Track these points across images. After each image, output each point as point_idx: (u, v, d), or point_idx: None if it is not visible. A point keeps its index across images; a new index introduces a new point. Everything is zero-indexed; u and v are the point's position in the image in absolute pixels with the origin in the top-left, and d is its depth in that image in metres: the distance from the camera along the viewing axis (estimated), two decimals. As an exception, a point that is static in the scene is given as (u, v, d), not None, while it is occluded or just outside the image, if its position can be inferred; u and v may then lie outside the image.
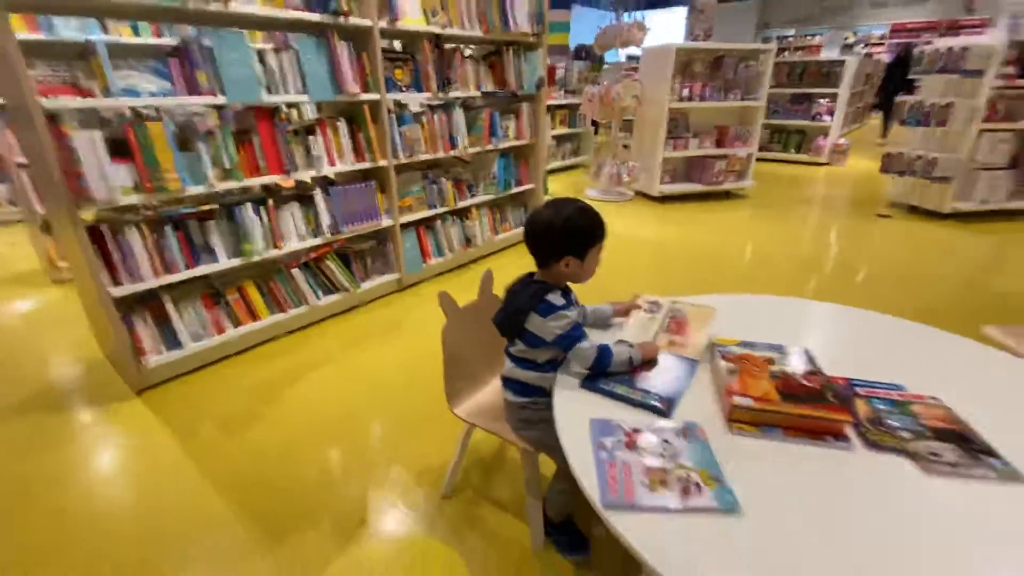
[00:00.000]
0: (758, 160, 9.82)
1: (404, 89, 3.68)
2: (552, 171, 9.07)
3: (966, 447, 1.27)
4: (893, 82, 11.29)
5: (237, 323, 3.11)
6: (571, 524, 1.87)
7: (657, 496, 1.19)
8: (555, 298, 1.64)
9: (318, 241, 3.48)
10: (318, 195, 3.38)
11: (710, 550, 1.07)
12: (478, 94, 4.45)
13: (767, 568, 1.05)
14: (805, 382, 1.43)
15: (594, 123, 10.13)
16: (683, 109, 7.50)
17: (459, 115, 4.29)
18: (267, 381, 2.71)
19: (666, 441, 1.32)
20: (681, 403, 1.43)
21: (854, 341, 1.75)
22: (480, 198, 4.94)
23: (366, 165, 3.66)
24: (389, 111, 3.57)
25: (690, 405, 1.42)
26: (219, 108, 2.96)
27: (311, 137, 3.20)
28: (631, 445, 1.31)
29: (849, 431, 1.33)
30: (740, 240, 5.44)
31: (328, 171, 3.36)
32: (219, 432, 2.34)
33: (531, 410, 1.80)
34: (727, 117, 7.64)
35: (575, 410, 1.43)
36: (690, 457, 1.26)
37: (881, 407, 1.41)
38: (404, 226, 4.05)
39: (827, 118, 10.46)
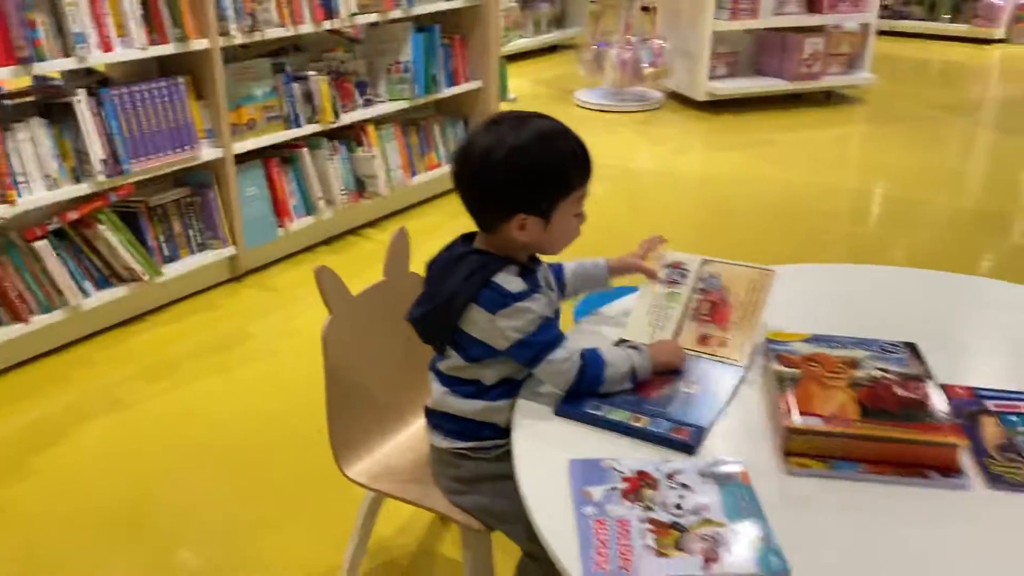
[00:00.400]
0: (881, 35, 7.34)
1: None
2: (515, 57, 7.05)
3: None
4: None
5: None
6: None
7: (669, 563, 1.01)
8: (508, 280, 1.33)
9: (83, 189, 2.70)
10: (81, 104, 2.62)
11: None
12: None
13: None
14: (901, 391, 1.26)
15: None
16: None
17: None
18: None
19: (686, 486, 1.13)
20: (714, 432, 1.26)
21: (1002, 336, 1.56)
22: (381, 107, 3.70)
23: (168, 49, 2.83)
24: None
25: (726, 435, 1.25)
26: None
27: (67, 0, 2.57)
28: (631, 495, 1.12)
29: (965, 462, 1.18)
30: (853, 179, 4.22)
31: (100, 59, 2.66)
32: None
33: (474, 461, 1.47)
34: None
35: (545, 450, 1.23)
36: (722, 509, 1.09)
37: (1019, 426, 1.25)
38: (242, 159, 3.19)
39: None
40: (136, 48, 2.67)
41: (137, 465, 2.17)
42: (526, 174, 1.32)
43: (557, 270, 1.58)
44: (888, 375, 1.30)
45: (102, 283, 2.77)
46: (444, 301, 1.36)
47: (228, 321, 2.90)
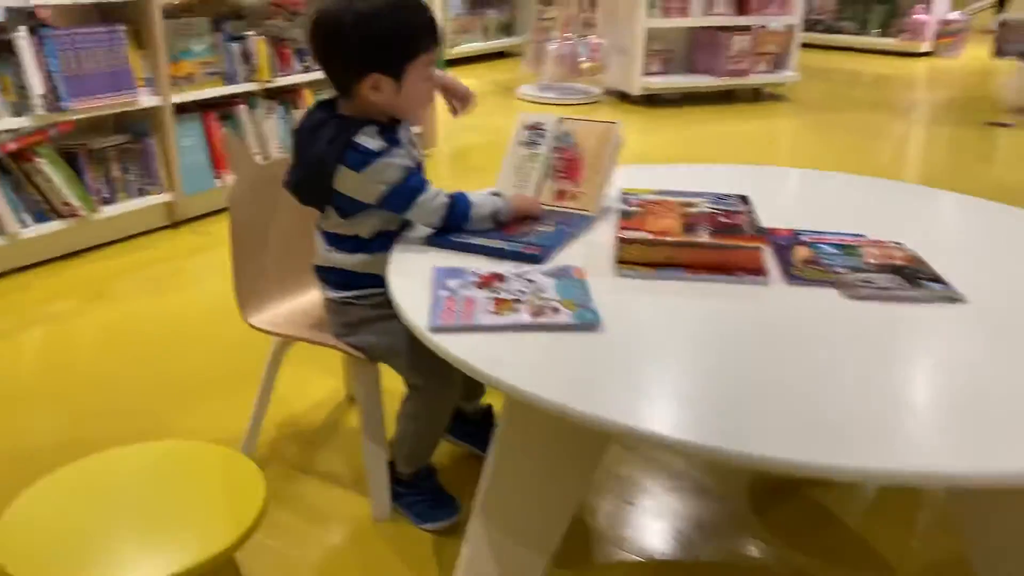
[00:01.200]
0: (818, 48, 8.25)
1: None
2: (465, 60, 7.32)
3: (908, 275, 1.36)
4: None
5: None
6: (428, 479, 1.73)
7: (502, 317, 1.20)
8: (368, 139, 1.45)
9: (24, 123, 2.79)
10: (22, 40, 2.73)
11: (559, 360, 1.12)
12: None
13: (627, 372, 1.08)
14: (723, 219, 1.48)
15: None
16: None
17: None
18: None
19: (531, 280, 1.32)
20: (563, 256, 1.45)
21: (825, 202, 1.84)
22: (318, 73, 3.76)
23: None
24: None
25: (573, 256, 1.45)
26: None
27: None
28: (483, 286, 1.30)
29: (773, 268, 1.40)
30: (776, 162, 4.64)
31: (40, 0, 2.77)
32: None
33: (359, 307, 1.60)
34: None
35: (414, 264, 1.40)
36: (556, 291, 1.29)
37: (825, 250, 1.48)
38: (181, 109, 3.30)
39: None
40: (78, -9, 2.89)
41: (70, 368, 2.29)
42: (377, 34, 1.41)
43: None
44: (715, 210, 1.50)
45: (40, 217, 2.86)
46: (313, 165, 1.47)
47: (163, 259, 3.02)
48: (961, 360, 1.14)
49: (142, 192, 3.16)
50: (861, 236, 1.53)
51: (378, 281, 1.49)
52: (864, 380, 1.07)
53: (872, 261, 1.41)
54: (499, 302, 1.24)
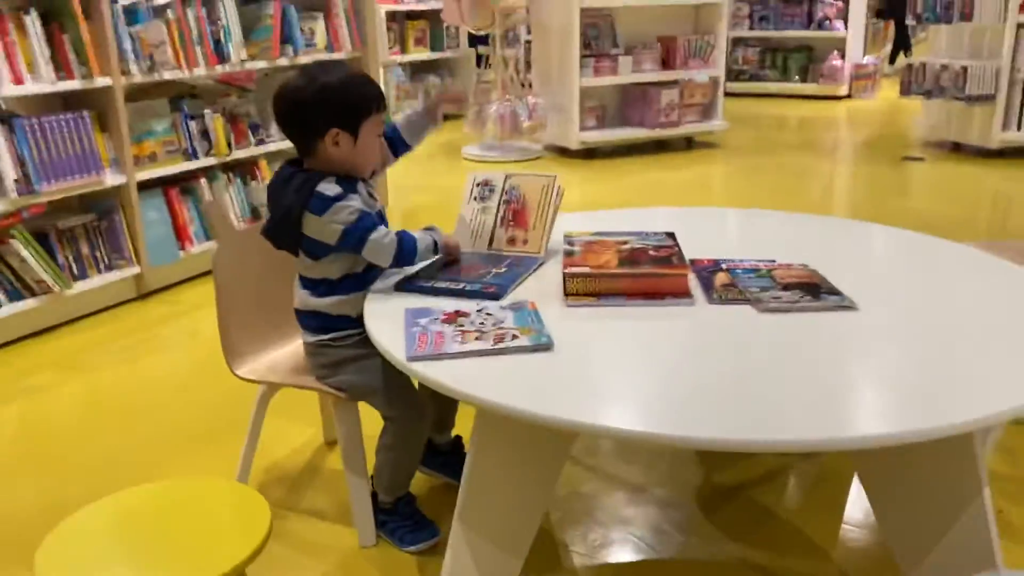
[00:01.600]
0: (744, 96, 8.79)
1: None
2: None
3: (811, 290, 1.60)
4: None
5: None
6: (409, 505, 1.90)
7: (468, 344, 1.40)
8: (328, 187, 1.68)
9: None
10: None
11: (521, 376, 1.31)
12: (259, -24, 4.01)
13: (580, 382, 1.30)
14: (652, 252, 1.70)
15: (475, 42, 8.04)
16: (604, 10, 6.19)
17: (230, 8, 3.64)
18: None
19: (490, 314, 1.53)
20: (515, 293, 1.65)
21: (745, 235, 2.12)
22: (273, 145, 4.08)
23: (74, 85, 3.12)
24: (113, 0, 3.21)
25: (525, 292, 1.66)
26: None
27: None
28: (449, 322, 1.50)
29: (696, 291, 1.63)
30: (711, 202, 4.95)
31: (12, 91, 2.94)
32: None
33: (336, 349, 1.78)
34: (673, 22, 6.37)
35: (387, 308, 1.59)
36: (513, 321, 1.49)
37: (741, 275, 1.71)
38: (145, 187, 3.50)
39: (839, 26, 8.58)
40: (45, 83, 2.96)
41: (53, 436, 2.39)
42: (336, 98, 1.66)
43: (391, 130, 1.89)
44: (646, 246, 1.73)
45: (14, 295, 2.97)
46: (283, 213, 1.68)
47: (134, 329, 3.14)
48: (852, 353, 1.38)
49: (110, 267, 3.29)
50: (772, 261, 1.77)
51: (351, 323, 1.71)
52: (777, 375, 1.29)
53: (780, 281, 1.64)
54: (464, 333, 1.44)
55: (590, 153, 5.93)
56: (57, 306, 3.11)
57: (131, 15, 3.27)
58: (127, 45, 3.20)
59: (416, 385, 1.67)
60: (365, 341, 1.61)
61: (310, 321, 1.79)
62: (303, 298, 1.78)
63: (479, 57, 7.69)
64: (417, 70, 7.47)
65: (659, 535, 1.91)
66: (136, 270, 3.35)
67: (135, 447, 2.36)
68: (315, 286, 1.76)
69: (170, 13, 3.34)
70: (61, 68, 3.03)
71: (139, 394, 2.69)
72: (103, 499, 1.40)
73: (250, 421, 1.98)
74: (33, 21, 2.92)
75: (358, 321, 1.65)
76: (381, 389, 1.71)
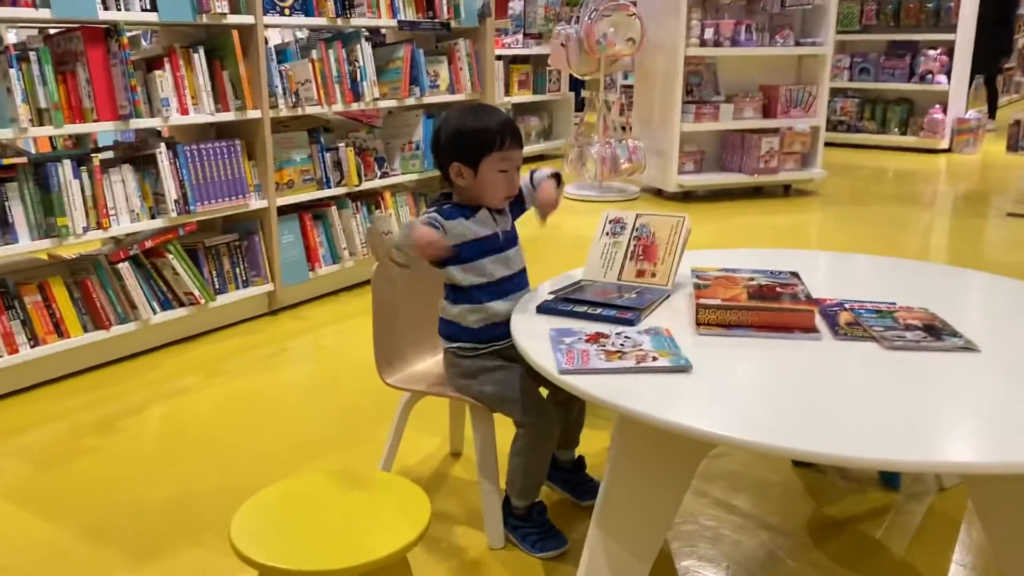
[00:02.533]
0: (843, 146, 8.80)
1: (288, 11, 3.50)
2: None
3: (933, 332, 1.69)
4: (992, 35, 8.44)
5: (35, 340, 2.92)
6: (541, 513, 2.02)
7: (613, 363, 1.54)
8: (437, 209, 1.89)
9: (159, 223, 3.27)
10: (162, 155, 3.19)
11: (661, 392, 1.44)
12: (393, 23, 4.04)
13: (714, 400, 1.41)
14: (780, 289, 1.82)
15: (576, 87, 8.28)
16: (707, 58, 6.35)
17: (366, 50, 3.90)
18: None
19: (628, 337, 1.67)
20: (648, 320, 1.78)
21: (861, 278, 2.22)
22: (396, 179, 4.34)
23: (230, 116, 3.42)
24: (266, 40, 3.49)
25: (658, 319, 1.79)
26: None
27: (157, 72, 3.11)
28: (591, 341, 1.64)
29: (822, 328, 1.73)
30: (808, 247, 5.03)
31: (179, 120, 3.24)
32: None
33: (468, 359, 1.95)
34: (776, 72, 6.43)
35: (534, 327, 1.74)
36: (651, 345, 1.62)
37: (864, 314, 1.80)
38: (282, 211, 3.80)
39: (941, 79, 8.41)
40: (207, 113, 3.28)
41: (207, 431, 2.63)
42: (456, 136, 1.86)
43: (529, 177, 2.04)
44: (773, 283, 1.85)
45: (166, 304, 3.28)
46: None
47: (267, 341, 3.41)
48: (977, 388, 1.46)
49: (247, 283, 3.58)
50: (893, 303, 1.87)
51: (474, 335, 1.88)
52: (908, 402, 1.39)
53: (903, 321, 1.74)
54: (609, 353, 1.59)
55: (686, 196, 6.08)
56: (201, 317, 3.40)
57: (280, 54, 3.61)
58: (277, 81, 3.50)
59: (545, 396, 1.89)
60: (496, 354, 1.82)
61: (445, 329, 1.97)
62: (442, 304, 1.98)
63: (579, 100, 8.15)
64: (520, 111, 7.76)
65: (770, 559, 1.99)
66: (270, 287, 3.61)
67: (281, 445, 2.56)
68: (449, 291, 1.95)
69: (315, 53, 3.63)
70: (219, 100, 3.35)
71: (276, 400, 2.92)
72: (278, 483, 1.58)
73: (392, 425, 2.17)
74: (200, 58, 3.24)
75: (480, 332, 1.82)
76: (517, 398, 1.86)
